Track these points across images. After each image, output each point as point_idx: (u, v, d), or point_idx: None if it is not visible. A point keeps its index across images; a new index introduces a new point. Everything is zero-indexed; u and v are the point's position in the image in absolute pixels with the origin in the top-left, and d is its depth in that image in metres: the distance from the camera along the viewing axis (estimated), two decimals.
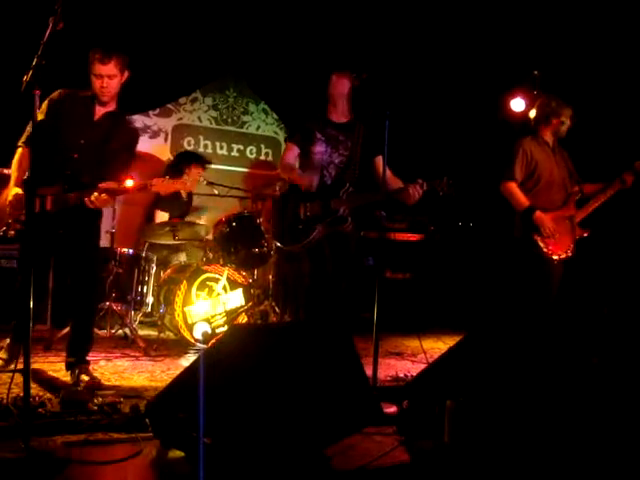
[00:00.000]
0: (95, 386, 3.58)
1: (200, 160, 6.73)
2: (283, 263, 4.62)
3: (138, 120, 7.38)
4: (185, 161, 6.63)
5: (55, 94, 3.86)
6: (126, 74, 3.88)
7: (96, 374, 3.92)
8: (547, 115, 4.84)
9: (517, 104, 6.92)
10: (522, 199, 4.70)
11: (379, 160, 4.30)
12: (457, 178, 4.23)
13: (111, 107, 3.91)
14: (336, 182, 4.36)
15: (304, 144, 4.44)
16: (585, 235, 4.79)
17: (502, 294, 5.43)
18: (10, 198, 3.66)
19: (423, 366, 4.03)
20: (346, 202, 4.30)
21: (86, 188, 3.64)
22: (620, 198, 4.89)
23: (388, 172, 4.34)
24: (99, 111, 3.86)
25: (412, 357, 5.10)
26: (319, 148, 4.39)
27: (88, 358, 3.91)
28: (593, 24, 6.23)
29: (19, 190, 3.67)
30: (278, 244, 4.54)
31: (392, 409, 3.08)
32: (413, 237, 7.11)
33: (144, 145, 7.26)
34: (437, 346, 5.60)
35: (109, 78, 3.76)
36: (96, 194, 3.58)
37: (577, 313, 5.39)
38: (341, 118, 4.47)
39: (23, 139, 3.81)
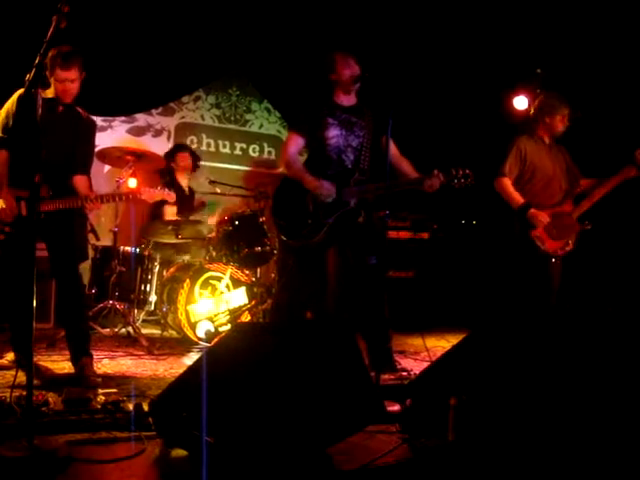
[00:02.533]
0: (95, 384, 3.60)
1: (182, 147, 6.93)
2: (287, 257, 4.35)
3: (141, 119, 7.41)
4: (172, 151, 6.83)
5: (15, 96, 3.89)
6: (83, 74, 3.88)
7: (100, 372, 3.93)
8: (540, 114, 4.84)
9: (520, 102, 6.91)
10: (515, 196, 4.69)
11: (384, 140, 4.20)
12: (474, 168, 4.15)
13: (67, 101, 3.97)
14: (354, 168, 4.18)
15: (314, 132, 4.20)
16: (588, 228, 4.76)
17: (505, 292, 5.41)
18: None
19: (426, 364, 4.02)
20: (356, 192, 4.11)
21: (64, 191, 3.82)
22: (625, 197, 4.87)
23: (396, 153, 4.31)
24: (58, 106, 3.90)
25: (415, 355, 5.10)
26: (334, 132, 4.17)
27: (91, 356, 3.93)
28: (596, 22, 6.21)
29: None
30: (285, 238, 4.21)
31: (395, 407, 3.07)
32: (416, 235, 7.10)
33: (147, 144, 7.27)
34: (440, 344, 5.59)
35: (71, 82, 3.81)
36: (88, 202, 3.79)
37: (581, 312, 5.38)
38: (349, 101, 4.29)
39: None
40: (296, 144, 4.26)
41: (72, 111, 3.96)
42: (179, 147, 6.94)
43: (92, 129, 4.11)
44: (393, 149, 4.23)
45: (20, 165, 3.81)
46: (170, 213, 6.35)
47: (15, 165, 3.84)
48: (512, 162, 4.75)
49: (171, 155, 6.75)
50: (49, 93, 3.84)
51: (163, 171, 6.61)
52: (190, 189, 6.82)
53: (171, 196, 4.17)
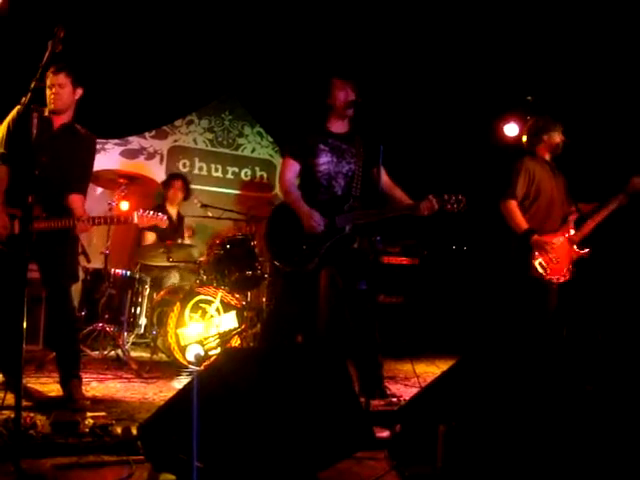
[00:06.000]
0: (83, 407, 3.57)
1: (176, 176, 6.99)
2: (279, 282, 4.36)
3: (134, 141, 7.44)
4: (169, 178, 6.96)
5: (14, 112, 3.90)
6: (79, 91, 4.00)
7: (88, 395, 3.91)
8: (536, 132, 4.87)
9: (510, 129, 6.98)
10: (521, 220, 4.63)
11: (374, 172, 4.23)
12: (467, 194, 4.17)
13: (67, 118, 4.01)
14: (344, 195, 4.19)
15: (306, 159, 4.22)
16: (584, 254, 4.75)
17: (496, 318, 5.42)
18: None
19: (416, 390, 4.02)
20: (351, 219, 4.11)
21: (58, 210, 3.81)
22: (616, 223, 4.89)
23: (388, 181, 4.34)
24: (56, 124, 3.95)
25: (405, 381, 5.09)
26: (324, 159, 4.19)
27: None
28: (586, 49, 6.29)
29: None
30: (278, 264, 4.17)
31: (384, 433, 3.07)
32: (406, 261, 7.12)
33: (140, 166, 7.29)
34: (430, 370, 5.59)
35: (59, 87, 3.88)
36: (81, 224, 3.78)
37: (571, 339, 5.39)
38: (341, 129, 4.32)
39: None
40: (292, 170, 4.26)
41: (70, 128, 3.99)
42: (172, 176, 7.02)
43: (91, 147, 4.12)
44: (385, 178, 4.26)
45: (14, 183, 3.81)
46: (149, 239, 6.37)
47: (10, 183, 3.84)
48: (521, 183, 4.70)
49: (165, 185, 6.88)
50: (46, 110, 3.90)
51: (158, 196, 6.67)
52: (179, 215, 6.85)
53: (164, 221, 4.14)
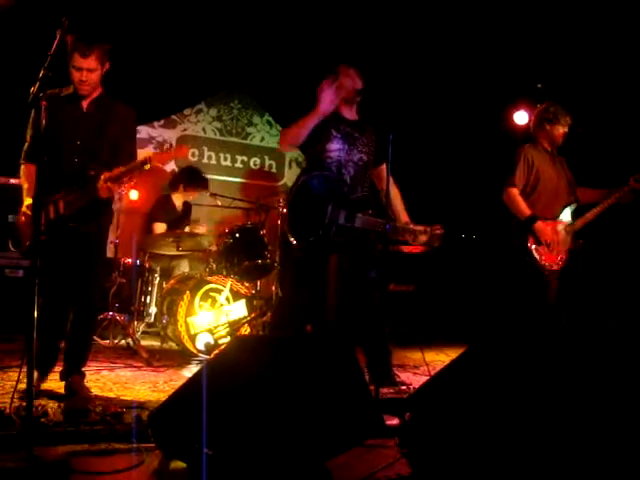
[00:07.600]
0: (88, 393, 3.55)
1: (199, 184, 6.68)
2: (289, 270, 4.29)
3: (143, 131, 7.44)
4: (184, 179, 6.65)
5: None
6: (107, 65, 3.63)
7: (99, 384, 3.94)
8: (541, 121, 4.86)
9: (520, 117, 6.95)
10: (524, 207, 4.66)
11: (382, 169, 4.21)
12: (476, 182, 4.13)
13: (96, 93, 3.68)
14: (353, 184, 4.10)
15: (317, 141, 4.08)
16: (579, 246, 4.76)
17: (504, 306, 5.41)
18: (24, 209, 3.53)
19: (425, 378, 4.02)
20: (364, 222, 4.01)
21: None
22: (623, 210, 4.86)
23: (395, 190, 4.33)
24: (85, 102, 3.65)
25: (414, 369, 5.09)
26: (336, 145, 4.08)
27: (88, 369, 3.84)
28: (597, 37, 6.25)
29: (31, 200, 3.46)
30: (294, 241, 3.94)
31: (394, 421, 3.08)
32: (417, 249, 7.10)
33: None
34: (439, 358, 5.59)
35: (89, 72, 3.52)
36: (101, 183, 3.44)
37: (581, 326, 5.38)
38: (351, 115, 4.23)
39: (23, 155, 3.67)
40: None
41: (102, 102, 3.70)
42: (197, 183, 6.67)
43: (129, 117, 3.83)
44: (394, 189, 4.25)
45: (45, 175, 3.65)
46: (159, 229, 6.38)
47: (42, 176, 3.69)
48: (521, 171, 4.73)
49: (175, 183, 6.68)
50: (71, 88, 3.60)
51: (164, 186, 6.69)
52: (186, 203, 6.79)
53: (182, 151, 3.78)
